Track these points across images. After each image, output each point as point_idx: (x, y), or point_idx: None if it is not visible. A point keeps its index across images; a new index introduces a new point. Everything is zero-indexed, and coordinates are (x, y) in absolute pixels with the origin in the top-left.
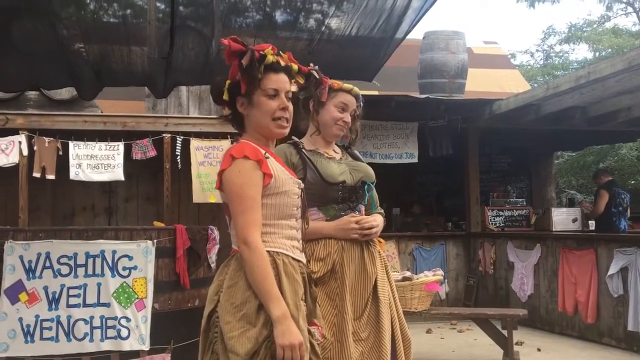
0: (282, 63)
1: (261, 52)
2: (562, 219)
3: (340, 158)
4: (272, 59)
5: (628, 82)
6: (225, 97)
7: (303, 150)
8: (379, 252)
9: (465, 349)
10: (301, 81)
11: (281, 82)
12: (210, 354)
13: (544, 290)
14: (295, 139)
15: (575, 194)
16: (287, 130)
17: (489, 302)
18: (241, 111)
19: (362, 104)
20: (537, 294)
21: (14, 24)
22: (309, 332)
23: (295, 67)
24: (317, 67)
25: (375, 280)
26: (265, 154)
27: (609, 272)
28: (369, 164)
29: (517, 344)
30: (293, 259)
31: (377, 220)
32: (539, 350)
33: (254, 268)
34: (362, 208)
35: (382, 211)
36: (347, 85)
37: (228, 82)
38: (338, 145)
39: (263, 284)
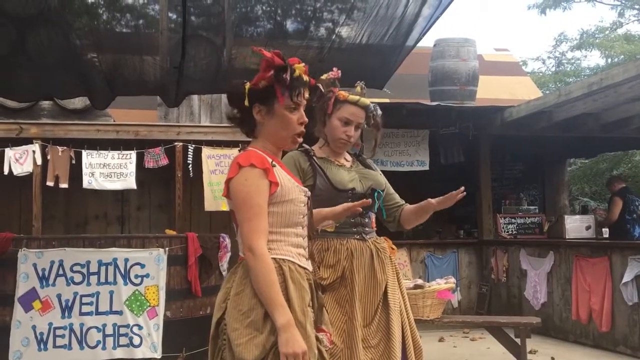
0: (305, 78)
1: (292, 66)
2: (576, 226)
3: (351, 166)
4: (299, 73)
5: None
6: (247, 103)
7: (314, 157)
8: (391, 258)
9: (479, 357)
10: (306, 95)
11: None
12: None
13: (558, 298)
14: (306, 146)
15: (588, 202)
16: (297, 145)
17: (501, 310)
18: (257, 118)
19: (378, 112)
20: (550, 302)
21: (28, 34)
22: (317, 338)
23: (307, 80)
24: (337, 72)
25: (386, 287)
26: (272, 162)
27: (624, 280)
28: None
29: (530, 352)
30: (299, 266)
31: None
32: (552, 359)
33: (259, 276)
34: (372, 216)
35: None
36: (353, 97)
37: (248, 86)
38: (349, 153)
39: (268, 291)
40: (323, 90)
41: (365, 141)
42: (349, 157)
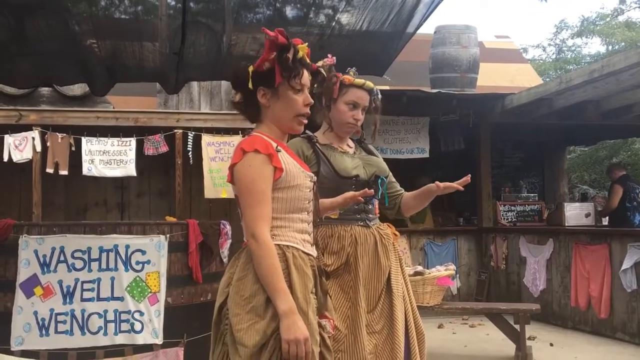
0: (307, 60)
1: (295, 46)
2: (575, 213)
3: (354, 152)
4: (302, 54)
5: None
6: (251, 86)
7: (317, 144)
8: (394, 245)
9: (478, 344)
10: (309, 78)
11: (306, 78)
12: (221, 345)
13: (557, 285)
14: (309, 133)
15: (587, 189)
16: (302, 128)
17: (500, 297)
18: (262, 102)
19: (379, 96)
20: (549, 289)
21: (27, 21)
22: (320, 325)
23: (310, 64)
24: (332, 59)
25: (389, 273)
26: (276, 147)
27: (623, 267)
28: None
29: (529, 338)
30: (303, 252)
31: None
32: (551, 345)
33: (261, 262)
34: (376, 202)
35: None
36: (358, 81)
37: (251, 69)
38: (352, 140)
39: (270, 277)
40: (325, 74)
41: (364, 127)
42: (351, 144)
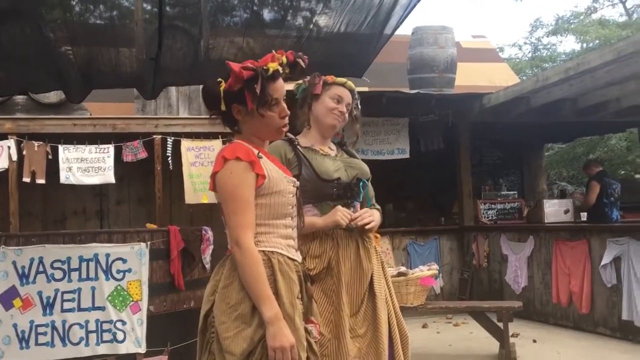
0: (280, 69)
1: (264, 67)
2: (554, 210)
3: (336, 155)
4: (273, 70)
5: (617, 72)
6: (223, 107)
7: (298, 147)
8: (375, 248)
9: (462, 342)
10: (287, 72)
11: (280, 88)
12: (207, 354)
13: (538, 282)
14: (291, 135)
15: (566, 186)
16: (283, 135)
17: (483, 296)
18: (238, 118)
19: (358, 102)
20: (531, 286)
21: (0, 27)
22: (306, 330)
23: (284, 60)
24: (303, 56)
25: (372, 276)
26: (258, 154)
27: (602, 262)
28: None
29: (512, 335)
30: (288, 257)
31: (374, 215)
32: (534, 341)
33: (246, 269)
34: (358, 205)
35: (379, 207)
36: (340, 80)
37: (222, 87)
38: (334, 142)
39: (255, 285)
40: (303, 64)
41: (345, 137)
42: (333, 147)
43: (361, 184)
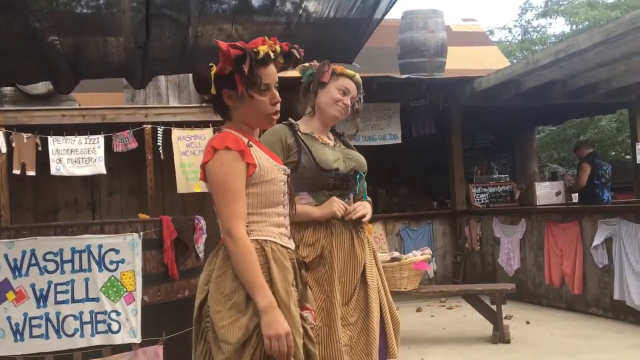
0: (272, 55)
1: (254, 49)
2: (546, 192)
3: (334, 145)
4: (263, 53)
5: (607, 54)
6: (213, 91)
7: (298, 132)
8: (367, 238)
9: (456, 325)
10: (281, 61)
11: (271, 74)
12: (203, 343)
13: (531, 263)
14: (292, 120)
15: (557, 168)
16: (274, 123)
17: (476, 279)
18: (229, 103)
19: (362, 96)
20: (523, 268)
21: None
22: (302, 317)
23: (278, 49)
24: (299, 48)
25: (364, 266)
26: (248, 142)
27: (594, 244)
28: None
29: (506, 318)
30: (282, 246)
31: (367, 208)
32: (527, 323)
33: (239, 259)
34: (351, 197)
35: (370, 199)
36: (349, 72)
37: (213, 71)
38: (332, 132)
39: (248, 274)
40: (298, 55)
41: (346, 126)
42: (331, 136)
43: (357, 176)
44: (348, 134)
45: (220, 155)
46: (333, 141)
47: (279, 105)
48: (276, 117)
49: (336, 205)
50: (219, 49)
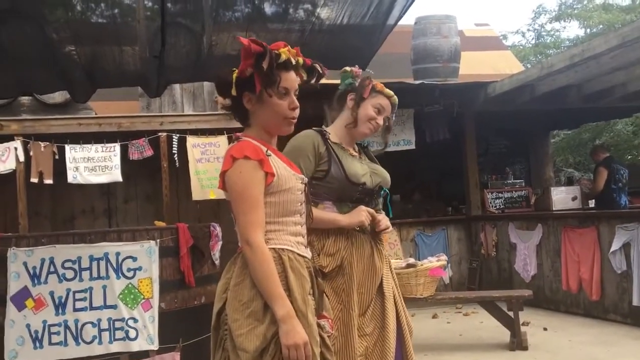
0: (293, 61)
1: (276, 51)
2: (562, 197)
3: (360, 157)
4: (285, 57)
5: (622, 57)
6: (234, 92)
7: (329, 141)
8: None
9: (473, 332)
10: (304, 75)
11: (292, 80)
12: (221, 351)
13: (548, 269)
14: (324, 127)
15: (573, 172)
16: (292, 128)
17: (492, 285)
18: (248, 107)
19: (394, 117)
20: (540, 274)
21: (2, 29)
22: (319, 325)
23: (301, 61)
24: (324, 66)
25: (381, 277)
26: (266, 151)
27: (612, 249)
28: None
29: (523, 324)
30: (298, 254)
31: (388, 220)
32: (545, 329)
33: (257, 268)
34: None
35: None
36: (388, 91)
37: (235, 75)
38: (357, 144)
39: (266, 283)
40: (320, 70)
41: (376, 140)
42: (357, 148)
43: (382, 192)
44: (379, 149)
45: (239, 164)
46: (358, 153)
47: (297, 111)
48: (293, 121)
49: (364, 214)
50: (241, 44)
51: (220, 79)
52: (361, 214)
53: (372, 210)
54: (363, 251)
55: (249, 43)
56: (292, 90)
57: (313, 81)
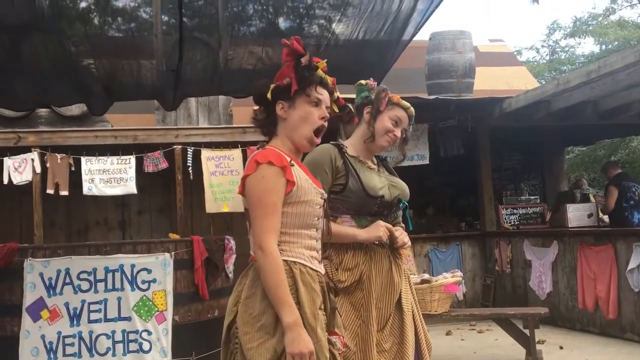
0: (329, 83)
1: (311, 56)
2: (578, 214)
3: (378, 170)
4: (322, 73)
5: (639, 74)
6: (269, 96)
7: (346, 155)
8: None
9: (487, 349)
10: (336, 110)
11: (325, 97)
12: None
13: (563, 287)
14: (341, 141)
15: (588, 189)
16: (313, 148)
17: (507, 302)
18: (280, 114)
19: (410, 129)
20: (556, 292)
21: (22, 42)
22: (330, 341)
23: (336, 95)
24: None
25: (400, 292)
26: (290, 161)
27: (629, 267)
28: None
29: (538, 342)
30: (311, 268)
31: (406, 235)
32: (561, 348)
33: (267, 273)
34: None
35: (403, 225)
36: (405, 103)
37: (272, 85)
38: (375, 157)
39: (276, 290)
40: (353, 110)
41: (393, 152)
42: (375, 161)
43: (401, 205)
44: (395, 161)
45: (263, 169)
46: (376, 166)
47: (325, 123)
48: (317, 140)
49: (382, 229)
50: (284, 45)
51: (256, 88)
52: (379, 229)
53: (389, 226)
54: (382, 266)
55: (293, 41)
56: (324, 103)
57: (343, 119)
